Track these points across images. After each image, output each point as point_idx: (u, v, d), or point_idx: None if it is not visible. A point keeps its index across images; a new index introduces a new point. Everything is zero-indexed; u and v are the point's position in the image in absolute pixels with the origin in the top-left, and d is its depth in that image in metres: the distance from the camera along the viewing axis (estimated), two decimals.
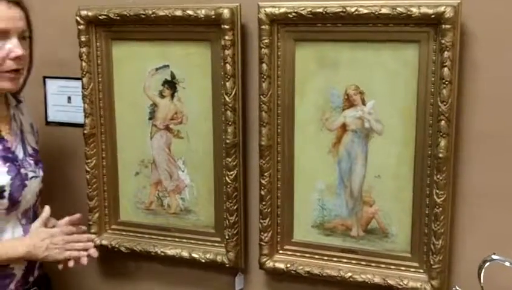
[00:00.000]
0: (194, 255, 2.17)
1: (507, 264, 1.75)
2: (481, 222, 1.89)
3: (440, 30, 1.76)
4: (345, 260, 2.02)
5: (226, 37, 1.96)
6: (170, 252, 2.20)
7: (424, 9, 1.76)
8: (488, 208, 1.88)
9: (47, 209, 2.01)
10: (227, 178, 2.06)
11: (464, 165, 1.87)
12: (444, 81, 1.77)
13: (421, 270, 1.94)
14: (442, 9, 1.74)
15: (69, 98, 2.30)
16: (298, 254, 2.08)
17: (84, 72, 2.16)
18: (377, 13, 1.80)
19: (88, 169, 2.23)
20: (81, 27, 2.12)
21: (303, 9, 1.87)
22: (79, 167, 2.29)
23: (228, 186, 2.06)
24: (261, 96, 1.97)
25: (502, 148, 1.83)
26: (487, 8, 1.78)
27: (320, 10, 1.85)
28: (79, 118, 2.26)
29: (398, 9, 1.78)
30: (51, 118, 2.33)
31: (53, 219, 2.03)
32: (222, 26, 1.95)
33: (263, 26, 1.92)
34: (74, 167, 2.33)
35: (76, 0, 2.15)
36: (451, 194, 1.87)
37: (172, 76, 2.11)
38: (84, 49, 2.14)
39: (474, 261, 1.83)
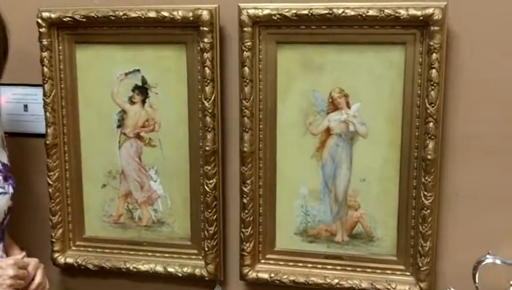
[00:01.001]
0: (170, 269, 2.07)
1: (498, 262, 1.77)
2: (466, 223, 1.90)
3: (428, 32, 1.76)
4: (329, 267, 1.99)
5: (205, 40, 1.88)
6: (143, 267, 2.09)
7: (412, 11, 1.75)
8: (473, 208, 1.89)
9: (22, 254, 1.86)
10: (206, 187, 1.98)
11: (449, 167, 1.88)
12: (432, 83, 1.77)
13: (408, 273, 1.93)
14: (430, 11, 1.74)
15: (26, 106, 2.15)
16: (281, 262, 2.02)
17: (46, 78, 2.02)
18: (364, 15, 1.77)
19: (51, 182, 2.09)
20: (43, 30, 1.98)
21: (288, 11, 1.82)
22: (39, 181, 2.15)
23: (207, 195, 1.98)
24: (243, 101, 1.90)
25: (486, 149, 1.85)
26: (471, 10, 1.79)
27: (306, 12, 1.81)
28: (38, 127, 2.13)
29: (386, 11, 1.76)
30: (5, 128, 2.15)
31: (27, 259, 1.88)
32: (201, 28, 1.87)
33: (246, 29, 1.85)
34: (34, 180, 2.18)
35: (30, 1, 2.02)
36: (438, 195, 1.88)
37: (144, 81, 2.01)
38: (45, 54, 2.00)
39: (460, 262, 1.88)
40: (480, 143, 1.85)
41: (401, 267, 1.94)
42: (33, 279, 1.83)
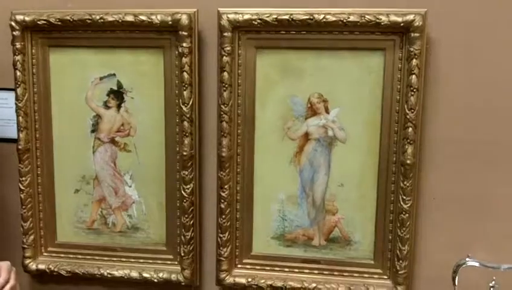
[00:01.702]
0: (145, 274, 2.04)
1: (477, 265, 1.79)
2: (443, 227, 1.93)
3: (408, 38, 1.77)
4: (306, 271, 1.99)
5: (184, 44, 1.86)
6: (118, 273, 2.06)
7: (393, 18, 1.77)
8: (449, 212, 1.92)
9: None
10: (183, 192, 1.96)
11: (426, 171, 1.90)
12: (411, 88, 1.79)
13: (385, 277, 1.95)
14: (411, 17, 1.76)
15: None
16: (258, 267, 2.02)
17: (19, 82, 1.98)
18: (345, 21, 1.78)
19: (22, 188, 2.04)
20: (16, 33, 1.94)
21: (268, 16, 1.81)
22: (9, 186, 2.10)
23: (184, 200, 1.96)
24: (222, 106, 1.89)
25: (463, 153, 1.88)
26: (449, 17, 1.81)
27: (287, 17, 1.80)
28: (8, 132, 2.08)
29: (367, 17, 1.78)
30: None
31: None
32: (180, 32, 1.85)
33: (225, 34, 1.84)
34: (4, 186, 2.13)
35: (1, 4, 1.98)
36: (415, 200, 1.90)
37: (119, 85, 1.98)
38: (18, 57, 1.96)
39: (437, 265, 1.92)
40: (458, 148, 1.88)
41: (379, 270, 1.96)
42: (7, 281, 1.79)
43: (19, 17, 1.93)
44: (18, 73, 1.97)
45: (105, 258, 2.09)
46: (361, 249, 1.96)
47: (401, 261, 1.90)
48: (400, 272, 1.91)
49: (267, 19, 1.82)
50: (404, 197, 1.86)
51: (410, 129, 1.81)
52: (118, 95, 1.99)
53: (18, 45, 1.95)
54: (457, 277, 1.79)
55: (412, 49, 1.77)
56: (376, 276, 1.96)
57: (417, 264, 1.95)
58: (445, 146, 1.88)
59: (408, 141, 1.82)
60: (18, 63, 1.96)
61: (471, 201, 1.90)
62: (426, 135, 1.88)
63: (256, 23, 1.83)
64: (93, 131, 2.02)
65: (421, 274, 1.96)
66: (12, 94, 2.03)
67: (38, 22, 1.92)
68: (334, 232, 1.97)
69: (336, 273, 1.98)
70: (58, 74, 2.01)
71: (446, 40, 1.83)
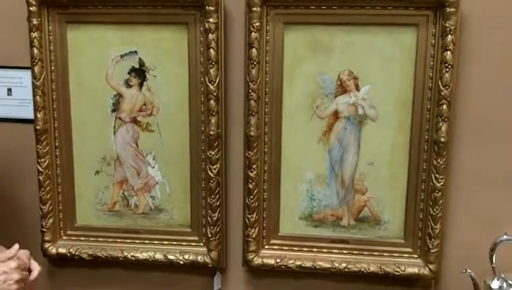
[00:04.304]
0: (171, 257, 2.00)
1: None
2: (473, 205, 1.90)
3: (443, 13, 1.73)
4: (335, 251, 1.97)
5: (211, 20, 1.80)
6: (142, 255, 2.02)
7: None
8: (481, 191, 1.89)
9: (15, 248, 1.67)
10: (210, 172, 1.91)
11: (457, 149, 1.86)
12: (446, 65, 1.75)
13: (415, 256, 1.93)
14: None
15: (9, 90, 2.02)
16: (285, 247, 1.99)
17: (36, 60, 1.89)
18: None
19: (41, 169, 1.98)
20: (33, 9, 1.86)
21: None
22: (26, 168, 2.03)
23: (211, 181, 1.91)
24: (250, 84, 1.83)
25: (495, 132, 1.85)
26: None
27: None
28: (23, 112, 2.01)
29: None
30: None
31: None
32: (207, 7, 1.79)
33: (254, 8, 1.77)
34: (20, 168, 2.06)
35: None
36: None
37: (141, 63, 1.91)
38: (35, 34, 1.88)
39: (467, 244, 1.91)
40: (490, 126, 1.84)
41: (409, 249, 1.94)
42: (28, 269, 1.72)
43: None
44: (35, 50, 1.89)
45: (128, 241, 2.04)
46: (391, 228, 1.93)
47: (433, 240, 1.87)
48: (432, 251, 1.88)
49: None
50: (437, 176, 1.83)
51: (444, 106, 1.77)
52: (139, 73, 1.92)
53: (35, 21, 1.87)
54: (494, 255, 1.78)
55: (447, 24, 1.72)
56: (406, 255, 1.94)
57: (447, 243, 1.93)
58: (476, 124, 1.85)
59: (442, 118, 1.78)
60: (35, 40, 1.88)
61: (503, 179, 1.87)
62: (458, 112, 1.84)
63: None
64: (113, 110, 1.96)
65: (451, 253, 1.94)
66: (26, 73, 1.96)
67: None
68: (363, 211, 1.93)
69: (365, 253, 1.96)
70: (76, 51, 1.93)
71: (479, 16, 1.77)
